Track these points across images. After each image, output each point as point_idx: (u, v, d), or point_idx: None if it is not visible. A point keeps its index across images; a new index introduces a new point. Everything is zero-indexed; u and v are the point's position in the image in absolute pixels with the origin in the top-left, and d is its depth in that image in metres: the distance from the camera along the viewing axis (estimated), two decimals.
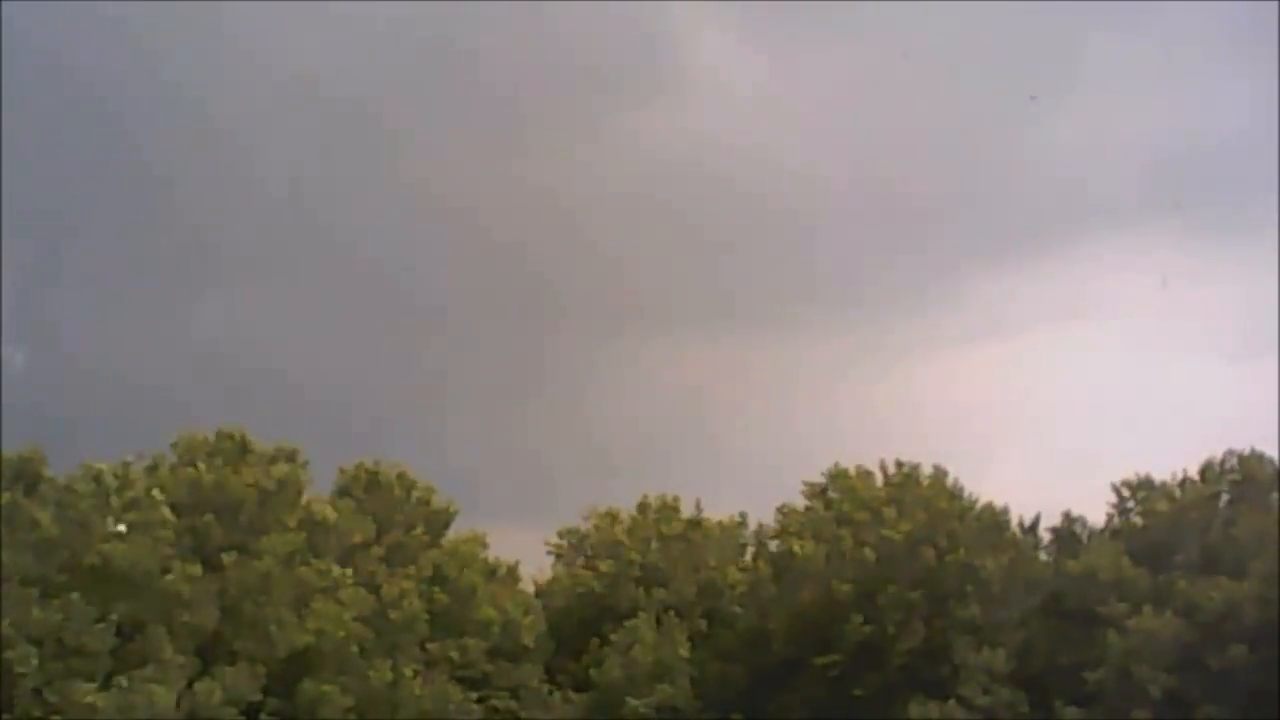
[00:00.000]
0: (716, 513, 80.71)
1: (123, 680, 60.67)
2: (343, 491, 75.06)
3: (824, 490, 76.66)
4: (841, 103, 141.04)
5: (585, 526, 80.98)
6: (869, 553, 70.82)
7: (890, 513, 71.89)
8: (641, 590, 74.65)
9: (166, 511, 65.77)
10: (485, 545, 78.51)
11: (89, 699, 59.80)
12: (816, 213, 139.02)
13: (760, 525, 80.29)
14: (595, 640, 72.77)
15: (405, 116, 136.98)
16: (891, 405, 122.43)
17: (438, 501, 77.00)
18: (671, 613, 73.18)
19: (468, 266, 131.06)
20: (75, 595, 61.78)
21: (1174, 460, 73.46)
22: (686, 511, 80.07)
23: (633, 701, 69.01)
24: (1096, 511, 73.35)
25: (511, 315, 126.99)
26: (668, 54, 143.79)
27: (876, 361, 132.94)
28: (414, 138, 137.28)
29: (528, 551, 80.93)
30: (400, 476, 76.27)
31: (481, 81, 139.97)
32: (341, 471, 75.92)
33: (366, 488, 75.32)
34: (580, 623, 74.83)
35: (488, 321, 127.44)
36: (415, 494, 76.70)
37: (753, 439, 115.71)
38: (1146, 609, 66.13)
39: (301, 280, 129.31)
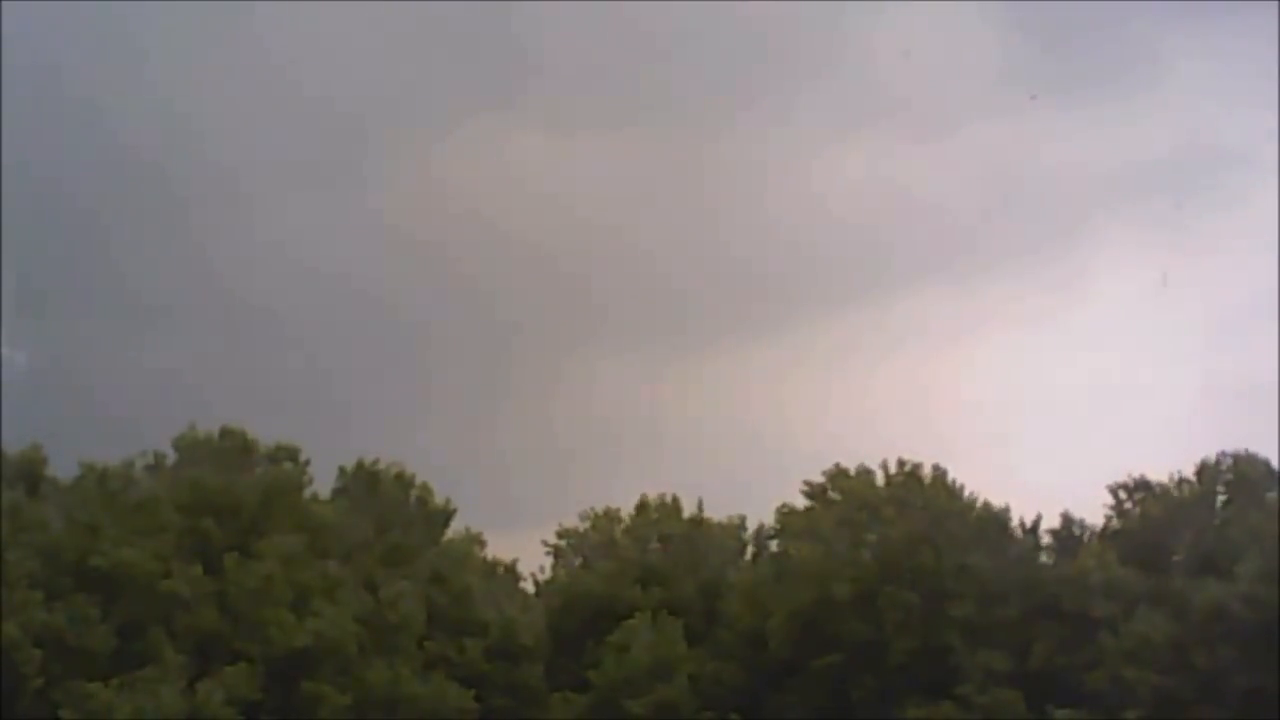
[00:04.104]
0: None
1: (129, 681, 60.91)
2: (342, 491, 75.34)
3: (824, 490, 76.60)
4: None
5: (583, 527, 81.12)
6: (866, 553, 71.01)
7: (890, 512, 71.95)
8: (641, 590, 74.81)
9: (170, 514, 66.07)
10: (483, 545, 78.81)
11: (104, 698, 60.06)
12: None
13: (761, 525, 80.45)
14: (594, 640, 72.89)
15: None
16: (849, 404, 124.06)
17: (436, 501, 77.27)
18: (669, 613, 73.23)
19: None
20: (80, 597, 62.07)
21: (1170, 461, 73.67)
22: (687, 511, 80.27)
23: (631, 702, 69.10)
24: (1094, 512, 73.60)
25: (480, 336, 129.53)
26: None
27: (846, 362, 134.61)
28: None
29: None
30: (399, 476, 76.50)
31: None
32: (342, 471, 76.20)
33: (366, 487, 75.61)
34: (580, 623, 74.93)
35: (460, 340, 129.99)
36: (414, 493, 77.01)
37: (708, 439, 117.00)
38: (1141, 610, 66.25)
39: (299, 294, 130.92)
